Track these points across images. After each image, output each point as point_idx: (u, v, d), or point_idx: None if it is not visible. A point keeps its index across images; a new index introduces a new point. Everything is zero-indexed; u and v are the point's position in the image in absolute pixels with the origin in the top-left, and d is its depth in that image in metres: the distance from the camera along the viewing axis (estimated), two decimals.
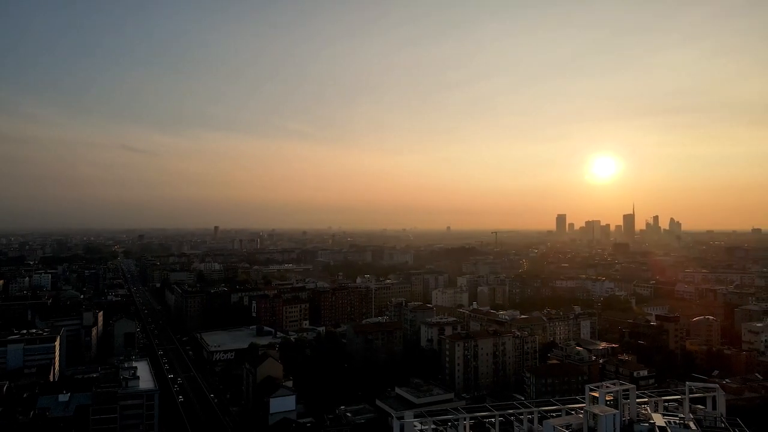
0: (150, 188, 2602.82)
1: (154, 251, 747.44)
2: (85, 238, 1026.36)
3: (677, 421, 71.17)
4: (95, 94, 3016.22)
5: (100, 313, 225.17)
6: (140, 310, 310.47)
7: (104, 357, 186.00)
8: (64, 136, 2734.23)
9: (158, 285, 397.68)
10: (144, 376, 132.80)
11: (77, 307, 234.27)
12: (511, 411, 78.98)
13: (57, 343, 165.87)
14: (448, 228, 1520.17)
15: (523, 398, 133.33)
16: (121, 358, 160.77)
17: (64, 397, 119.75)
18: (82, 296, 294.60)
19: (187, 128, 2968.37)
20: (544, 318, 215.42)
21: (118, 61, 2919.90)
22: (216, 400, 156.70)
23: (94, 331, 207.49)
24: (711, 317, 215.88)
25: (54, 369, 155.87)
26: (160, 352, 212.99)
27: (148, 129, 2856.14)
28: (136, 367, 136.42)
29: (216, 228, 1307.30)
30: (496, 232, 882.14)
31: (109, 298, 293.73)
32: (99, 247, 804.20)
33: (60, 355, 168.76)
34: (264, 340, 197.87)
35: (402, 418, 77.14)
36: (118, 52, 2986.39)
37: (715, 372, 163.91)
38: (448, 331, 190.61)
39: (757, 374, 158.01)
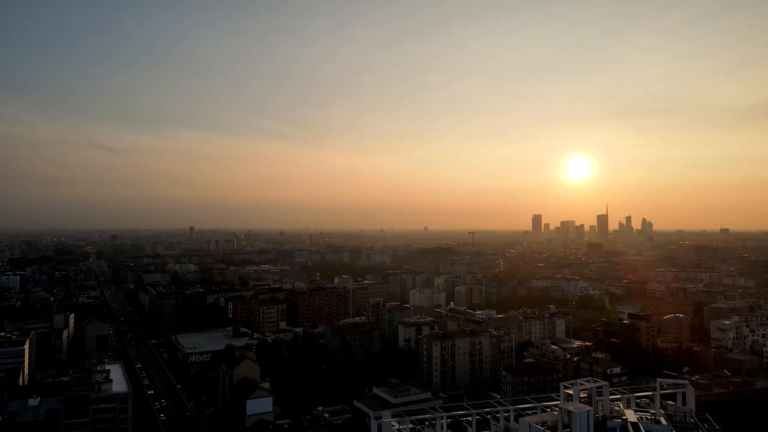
0: (124, 188, 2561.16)
1: (127, 252, 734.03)
2: (55, 239, 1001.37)
3: (648, 417, 72.64)
4: (68, 93, 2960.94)
5: (72, 316, 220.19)
6: (113, 312, 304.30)
7: (76, 360, 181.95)
8: (35, 134, 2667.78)
9: (132, 286, 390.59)
10: (117, 379, 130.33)
11: (47, 310, 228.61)
12: (487, 409, 79.64)
13: (26, 347, 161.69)
14: (426, 228, 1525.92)
15: (499, 396, 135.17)
16: (94, 361, 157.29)
17: (34, 402, 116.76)
18: (52, 298, 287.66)
19: (164, 128, 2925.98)
20: (520, 317, 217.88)
21: (95, 60, 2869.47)
22: (191, 403, 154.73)
23: (65, 333, 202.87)
24: (681, 315, 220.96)
25: (23, 373, 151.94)
26: (135, 357, 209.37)
27: (124, 128, 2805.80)
28: (108, 370, 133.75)
29: (191, 228, 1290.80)
30: (473, 233, 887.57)
31: (80, 300, 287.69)
32: (70, 248, 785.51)
33: (29, 358, 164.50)
34: (240, 342, 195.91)
35: (380, 418, 77.18)
36: (96, 51, 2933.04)
37: (685, 369, 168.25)
38: (426, 330, 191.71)
39: (725, 371, 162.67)
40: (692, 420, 74.03)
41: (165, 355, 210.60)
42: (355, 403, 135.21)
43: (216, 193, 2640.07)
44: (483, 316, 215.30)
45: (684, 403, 78.98)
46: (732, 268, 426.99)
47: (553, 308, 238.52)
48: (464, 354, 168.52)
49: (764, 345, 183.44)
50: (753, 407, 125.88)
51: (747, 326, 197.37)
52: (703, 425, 71.98)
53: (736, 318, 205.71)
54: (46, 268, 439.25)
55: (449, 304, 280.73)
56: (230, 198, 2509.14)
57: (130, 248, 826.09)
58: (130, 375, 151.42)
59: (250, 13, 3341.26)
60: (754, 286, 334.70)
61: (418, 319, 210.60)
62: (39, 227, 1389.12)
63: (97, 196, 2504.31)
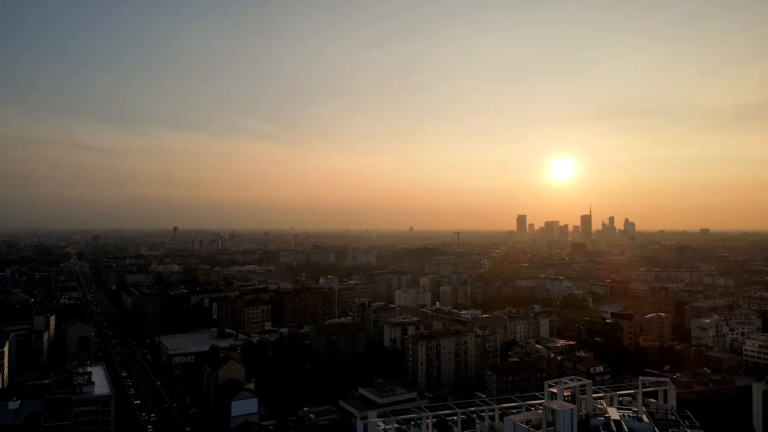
0: (107, 188, 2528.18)
1: (109, 252, 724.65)
2: (35, 240, 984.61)
3: (631, 415, 73.75)
4: (54, 92, 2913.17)
5: (52, 317, 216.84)
6: (95, 313, 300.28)
7: (57, 363, 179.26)
8: (20, 133, 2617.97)
9: (114, 287, 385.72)
10: (99, 382, 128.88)
11: (27, 311, 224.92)
12: (472, 408, 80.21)
13: (6, 349, 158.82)
14: (411, 228, 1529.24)
15: (484, 396, 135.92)
16: (75, 363, 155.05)
17: (14, 405, 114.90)
18: (32, 300, 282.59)
19: (151, 128, 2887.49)
20: (505, 317, 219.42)
21: (82, 60, 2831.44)
22: (175, 404, 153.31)
23: (45, 335, 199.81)
24: (662, 314, 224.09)
25: (3, 376, 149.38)
26: (117, 357, 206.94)
27: (110, 128, 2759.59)
28: (90, 373, 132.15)
29: (175, 228, 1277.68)
30: (458, 233, 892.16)
31: (61, 301, 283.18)
32: (50, 249, 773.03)
33: (9, 361, 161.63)
34: (225, 343, 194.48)
35: (365, 418, 77.35)
36: (83, 51, 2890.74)
37: (667, 367, 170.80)
38: (411, 331, 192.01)
39: (705, 368, 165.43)
40: (673, 417, 75.21)
41: (148, 356, 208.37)
42: (341, 403, 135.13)
43: (202, 194, 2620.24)
44: (468, 316, 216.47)
45: (665, 400, 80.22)
46: (712, 268, 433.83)
47: (537, 308, 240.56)
48: (449, 354, 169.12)
49: (743, 343, 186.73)
50: (733, 404, 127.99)
51: (727, 325, 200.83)
52: (684, 422, 73.13)
53: (716, 317, 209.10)
54: (25, 269, 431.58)
55: (435, 304, 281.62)
56: (216, 198, 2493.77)
57: (112, 249, 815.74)
58: (113, 377, 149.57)
59: (237, 13, 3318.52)
60: (734, 285, 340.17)
61: (404, 319, 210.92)
62: (18, 227, 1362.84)
63: (80, 196, 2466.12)
